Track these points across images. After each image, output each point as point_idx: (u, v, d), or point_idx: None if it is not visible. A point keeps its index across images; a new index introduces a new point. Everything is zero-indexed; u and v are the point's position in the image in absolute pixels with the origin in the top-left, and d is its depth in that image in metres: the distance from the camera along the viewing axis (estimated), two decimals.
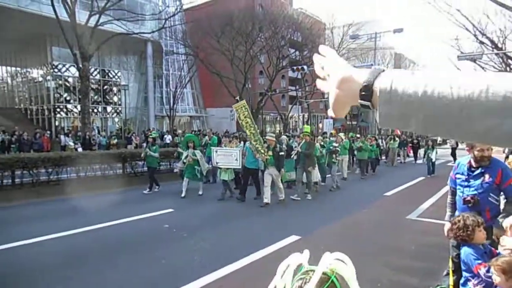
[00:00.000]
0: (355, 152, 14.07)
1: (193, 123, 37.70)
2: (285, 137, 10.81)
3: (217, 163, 8.72)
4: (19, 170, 8.84)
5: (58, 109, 30.58)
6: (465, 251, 2.58)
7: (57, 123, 29.94)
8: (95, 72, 31.90)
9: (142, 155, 10.04)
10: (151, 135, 10.44)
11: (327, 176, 11.47)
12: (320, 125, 45.71)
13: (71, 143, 18.26)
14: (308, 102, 35.85)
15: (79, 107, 26.20)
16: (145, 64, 33.75)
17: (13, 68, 35.87)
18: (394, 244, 5.57)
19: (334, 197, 9.60)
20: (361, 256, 4.96)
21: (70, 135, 20.02)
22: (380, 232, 6.27)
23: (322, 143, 11.82)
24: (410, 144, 21.67)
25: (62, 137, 19.02)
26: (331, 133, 16.59)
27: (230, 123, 33.89)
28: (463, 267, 2.67)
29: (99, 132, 22.87)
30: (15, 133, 18.05)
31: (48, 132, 21.73)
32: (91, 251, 5.07)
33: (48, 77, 30.80)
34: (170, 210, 7.49)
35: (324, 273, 0.75)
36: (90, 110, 20.57)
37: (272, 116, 43.19)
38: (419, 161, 19.28)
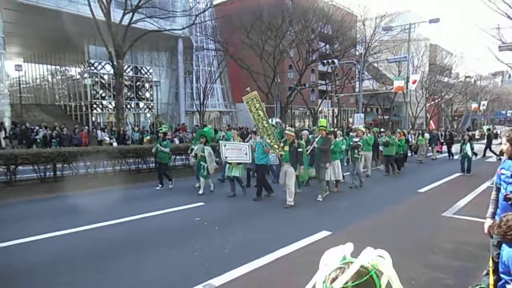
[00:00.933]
0: (381, 148, 13.05)
1: (223, 118, 38.10)
2: (306, 131, 10.00)
3: (225, 157, 8.26)
4: (60, 164, 9.31)
5: (94, 105, 31.86)
6: (508, 252, 2.43)
7: (93, 119, 31.20)
8: (128, 69, 32.89)
9: (153, 150, 9.60)
10: (161, 129, 9.94)
11: (345, 174, 10.50)
12: (351, 120, 44.87)
13: (107, 138, 19.00)
14: (338, 97, 35.24)
15: (113, 103, 27.20)
16: (176, 60, 34.42)
17: (54, 67, 37.66)
18: (429, 241, 5.40)
19: (365, 193, 9.40)
20: (395, 253, 4.80)
21: (105, 130, 20.83)
22: (414, 229, 6.09)
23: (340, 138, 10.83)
24: (442, 141, 20.51)
25: (98, 132, 19.80)
26: (349, 128, 15.74)
27: None
28: (501, 269, 2.52)
29: (132, 128, 23.60)
30: (56, 128, 19.00)
31: (86, 127, 22.70)
32: (123, 243, 5.28)
33: (85, 75, 32.13)
34: (201, 203, 7.64)
35: (363, 267, 0.75)
36: (124, 106, 21.26)
37: (301, 111, 42.84)
38: (455, 157, 17.88)
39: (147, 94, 35.68)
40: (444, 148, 20.45)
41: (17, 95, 31.65)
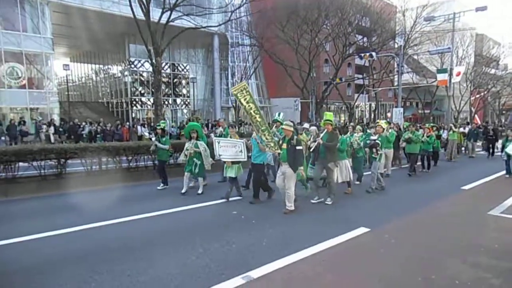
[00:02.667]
0: (404, 145, 11.48)
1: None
2: (314, 128, 8.60)
3: (219, 155, 7.52)
4: (105, 158, 9.81)
5: (134, 102, 33.17)
6: None
7: (133, 115, 32.50)
8: (166, 66, 33.88)
9: (152, 148, 9.10)
10: (159, 125, 9.23)
11: (366, 173, 9.67)
12: (389, 115, 43.48)
13: (146, 134, 19.74)
14: (376, 91, 34.26)
15: (152, 99, 28.15)
16: (212, 57, 34.99)
17: (97, 66, 39.56)
18: (474, 241, 5.17)
19: (402, 190, 9.12)
20: (438, 251, 4.71)
21: (145, 125, 21.65)
22: (458, 227, 5.85)
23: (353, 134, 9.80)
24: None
25: (138, 127, 20.62)
26: (364, 123, 13.62)
27: (294, 113, 33.78)
28: None
29: (171, 124, 24.39)
30: (100, 124, 20.02)
31: (127, 123, 23.73)
32: (169, 232, 5.50)
33: (126, 73, 33.51)
34: (239, 197, 7.76)
35: None
36: (162, 102, 21.95)
37: (336, 106, 42.12)
38: (498, 154, 15.09)
39: (184, 91, 36.62)
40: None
41: (64, 93, 33.64)
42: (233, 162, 7.45)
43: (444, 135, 16.16)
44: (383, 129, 9.09)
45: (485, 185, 9.75)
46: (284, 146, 6.59)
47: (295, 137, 6.54)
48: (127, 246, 4.84)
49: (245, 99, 6.71)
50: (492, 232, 5.64)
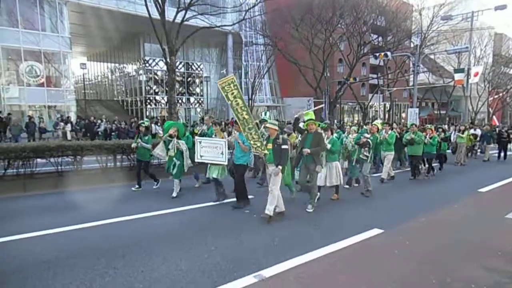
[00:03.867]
0: (406, 147, 10.81)
1: (270, 113, 38.30)
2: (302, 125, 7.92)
3: (201, 156, 6.94)
4: (120, 155, 9.95)
5: (148, 100, 33.56)
6: None
7: (147, 113, 32.90)
8: (180, 65, 34.16)
9: (133, 145, 8.53)
10: (142, 123, 8.80)
11: (354, 177, 9.07)
12: (404, 115, 42.87)
13: (160, 132, 19.92)
14: (390, 91, 33.83)
15: (166, 98, 28.44)
16: (226, 56, 35.16)
17: (113, 64, 40.16)
18: (491, 244, 5.06)
19: (416, 192, 8.97)
20: (453, 254, 4.63)
21: (159, 124, 21.87)
22: (474, 230, 5.74)
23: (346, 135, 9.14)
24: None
25: (153, 125, 20.82)
26: (358, 123, 12.31)
27: None
28: None
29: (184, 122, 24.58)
30: (115, 122, 20.31)
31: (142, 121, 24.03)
32: (182, 229, 5.56)
33: (140, 71, 33.93)
34: (251, 196, 7.74)
35: None
36: (176, 101, 22.15)
37: (350, 106, 41.76)
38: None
39: (198, 89, 36.89)
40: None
41: (81, 91, 34.27)
42: (213, 163, 6.95)
43: (453, 137, 15.15)
44: (378, 129, 8.57)
45: (503, 188, 9.53)
46: (270, 146, 6.13)
47: (281, 136, 6.14)
48: (141, 242, 4.91)
49: (232, 94, 6.11)
50: (510, 236, 5.51)
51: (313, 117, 6.94)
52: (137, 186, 8.52)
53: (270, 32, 29.31)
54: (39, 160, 8.68)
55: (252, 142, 6.21)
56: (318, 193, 7.24)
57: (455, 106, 46.46)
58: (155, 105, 34.46)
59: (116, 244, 4.84)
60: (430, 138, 10.71)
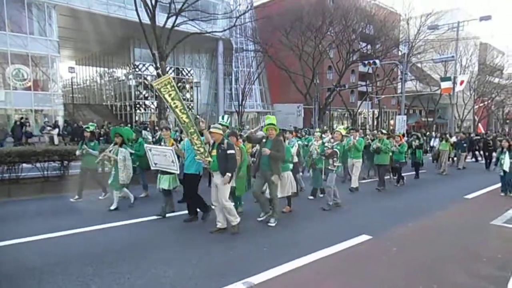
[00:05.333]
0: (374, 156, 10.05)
1: (260, 119, 38.37)
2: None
3: (155, 164, 6.39)
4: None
5: (137, 105, 33.35)
6: None
7: (136, 118, 32.65)
8: (170, 71, 34.06)
9: (78, 152, 7.84)
10: (87, 127, 8.10)
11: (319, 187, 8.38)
12: (392, 122, 43.43)
13: (149, 137, 19.78)
14: (379, 98, 34.28)
15: (155, 103, 28.32)
16: (216, 62, 35.22)
17: (102, 69, 39.83)
18: (477, 250, 5.15)
19: (403, 199, 9.08)
20: (441, 260, 4.69)
21: (148, 129, 21.73)
22: (460, 236, 5.83)
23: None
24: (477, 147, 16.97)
25: (143, 131, 20.67)
26: (317, 129, 11.04)
27: (296, 118, 33.84)
28: None
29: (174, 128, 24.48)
30: (104, 127, 20.11)
31: (130, 126, 23.82)
32: (170, 236, 5.51)
33: (130, 76, 33.73)
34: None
35: None
36: (165, 106, 22.07)
37: (339, 112, 42.13)
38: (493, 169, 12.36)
39: (188, 95, 36.82)
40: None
41: (69, 96, 33.85)
42: (165, 172, 6.33)
43: (435, 143, 14.95)
44: (342, 136, 7.77)
45: (488, 195, 9.70)
46: (214, 152, 5.53)
47: (226, 141, 5.61)
48: (129, 248, 4.86)
49: (169, 95, 5.62)
50: (495, 242, 5.61)
51: (274, 122, 6.33)
52: (76, 196, 7.73)
53: (261, 38, 29.52)
54: (24, 165, 8.53)
55: (195, 148, 5.65)
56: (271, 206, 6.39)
57: (442, 113, 47.25)
58: (145, 110, 34.23)
59: (104, 250, 4.76)
60: (399, 145, 10.34)
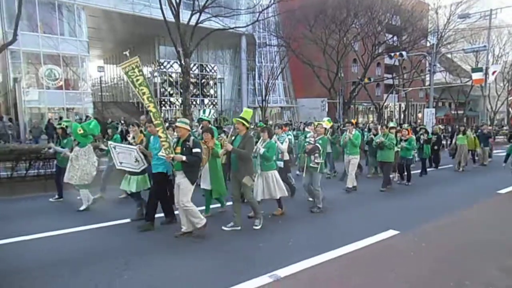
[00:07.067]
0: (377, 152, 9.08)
1: (284, 114, 38.27)
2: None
3: (120, 163, 5.86)
4: None
5: (163, 102, 34.00)
6: None
7: (162, 115, 33.31)
8: (194, 67, 34.51)
9: (51, 150, 7.41)
10: (60, 124, 7.48)
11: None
12: (420, 115, 42.18)
13: (175, 133, 20.19)
14: (406, 91, 33.35)
15: (180, 100, 28.80)
16: (239, 57, 35.34)
17: None
18: (509, 245, 4.97)
19: (431, 193, 8.81)
20: (472, 256, 4.56)
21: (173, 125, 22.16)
22: (493, 232, 5.62)
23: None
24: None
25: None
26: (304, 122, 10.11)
27: (320, 113, 33.50)
28: None
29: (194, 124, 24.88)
30: (124, 123, 20.62)
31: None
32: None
33: (155, 74, 34.40)
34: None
35: None
36: (190, 102, 22.39)
37: (365, 106, 41.34)
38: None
39: (212, 91, 37.19)
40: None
41: (98, 94, 34.93)
42: (132, 173, 5.85)
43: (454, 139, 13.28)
44: (325, 129, 7.14)
45: None
46: (178, 149, 5.02)
47: (191, 138, 5.06)
48: (145, 250, 5.00)
49: (137, 80, 5.06)
50: None
51: (247, 116, 5.62)
52: (57, 196, 7.37)
53: (284, 33, 29.30)
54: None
55: (161, 142, 5.10)
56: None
57: (473, 106, 45.48)
58: (170, 106, 34.85)
59: (107, 248, 4.92)
60: (406, 140, 9.34)
